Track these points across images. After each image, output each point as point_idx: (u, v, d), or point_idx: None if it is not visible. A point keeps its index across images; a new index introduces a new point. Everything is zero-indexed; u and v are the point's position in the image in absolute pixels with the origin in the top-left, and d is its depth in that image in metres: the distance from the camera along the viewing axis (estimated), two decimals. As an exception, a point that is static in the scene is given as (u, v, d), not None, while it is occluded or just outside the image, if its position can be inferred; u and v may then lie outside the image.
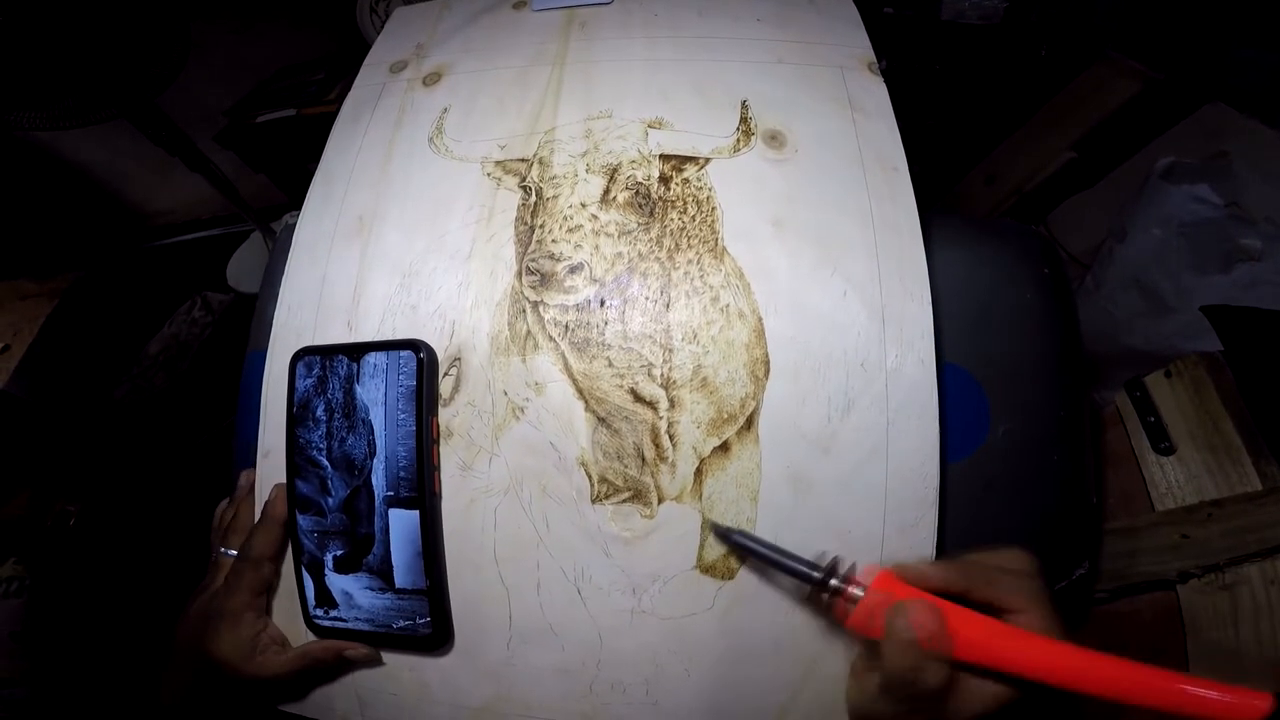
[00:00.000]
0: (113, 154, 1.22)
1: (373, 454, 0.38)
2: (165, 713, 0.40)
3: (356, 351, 0.39)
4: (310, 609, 0.39)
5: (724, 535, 0.35)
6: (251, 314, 0.52)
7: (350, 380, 0.39)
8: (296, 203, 0.48)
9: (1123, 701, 0.26)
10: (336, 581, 0.38)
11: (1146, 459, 0.54)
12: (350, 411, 0.39)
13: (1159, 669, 0.26)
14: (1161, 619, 0.49)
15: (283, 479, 0.40)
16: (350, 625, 0.39)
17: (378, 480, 0.38)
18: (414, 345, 0.39)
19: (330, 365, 0.39)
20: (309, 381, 0.40)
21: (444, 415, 0.39)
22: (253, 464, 0.43)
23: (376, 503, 0.38)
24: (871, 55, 0.47)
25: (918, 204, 0.40)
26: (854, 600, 0.31)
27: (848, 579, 0.31)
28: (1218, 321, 0.65)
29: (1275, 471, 0.49)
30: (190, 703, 0.39)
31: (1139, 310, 0.76)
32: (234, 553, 0.41)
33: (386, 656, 0.39)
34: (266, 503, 0.41)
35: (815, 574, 0.32)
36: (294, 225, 0.47)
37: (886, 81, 0.46)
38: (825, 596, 0.32)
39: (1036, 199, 0.98)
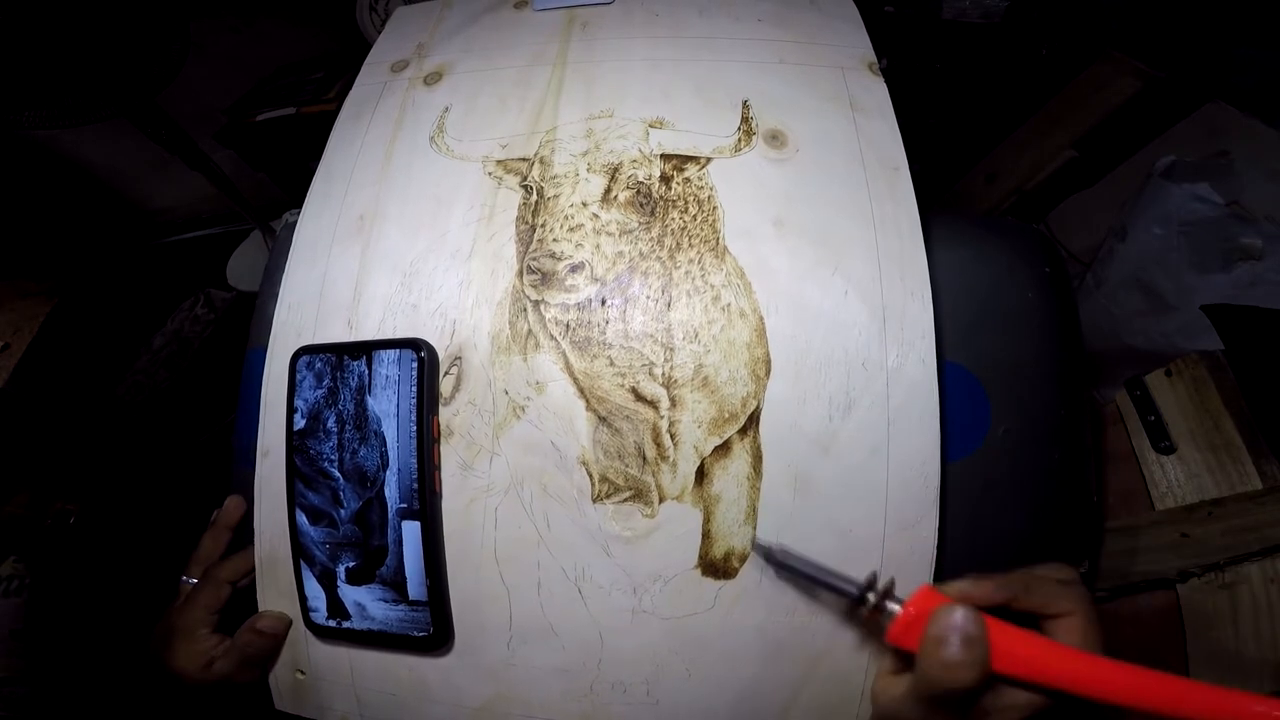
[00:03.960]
0: (112, 152, 1.22)
1: (385, 466, 0.38)
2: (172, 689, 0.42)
3: (357, 350, 0.39)
4: (310, 613, 0.39)
5: (766, 554, 0.35)
6: (253, 312, 0.52)
7: (362, 392, 0.39)
8: (296, 201, 0.48)
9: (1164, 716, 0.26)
10: (349, 593, 0.38)
11: (1147, 458, 0.54)
12: (362, 423, 0.39)
13: (1206, 686, 0.25)
14: (1161, 618, 0.49)
15: (283, 479, 0.40)
16: (351, 625, 0.39)
17: (390, 492, 0.38)
18: (415, 344, 0.39)
19: (341, 376, 0.39)
20: (319, 392, 0.40)
21: (444, 414, 0.39)
22: (252, 463, 0.43)
23: (389, 515, 0.38)
24: (872, 55, 0.47)
25: (918, 203, 0.40)
26: (891, 615, 0.31)
27: (887, 593, 0.31)
28: (1218, 320, 0.65)
29: (1276, 470, 0.49)
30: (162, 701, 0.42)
31: (1139, 309, 0.76)
32: (194, 581, 0.44)
33: (386, 656, 0.39)
34: (219, 511, 0.46)
35: (853, 589, 0.32)
36: (294, 223, 0.47)
37: (887, 80, 0.46)
38: (864, 611, 0.32)
39: (1037, 197, 0.97)
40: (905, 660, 0.31)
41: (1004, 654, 0.28)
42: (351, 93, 0.52)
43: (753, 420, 0.37)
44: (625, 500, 0.37)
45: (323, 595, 0.39)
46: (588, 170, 0.43)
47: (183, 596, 0.44)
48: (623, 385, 0.38)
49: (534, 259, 0.40)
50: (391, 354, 0.39)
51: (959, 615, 0.28)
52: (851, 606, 0.32)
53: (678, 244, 0.40)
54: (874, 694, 0.33)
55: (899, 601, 0.31)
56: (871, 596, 0.31)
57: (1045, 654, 0.28)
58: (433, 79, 0.51)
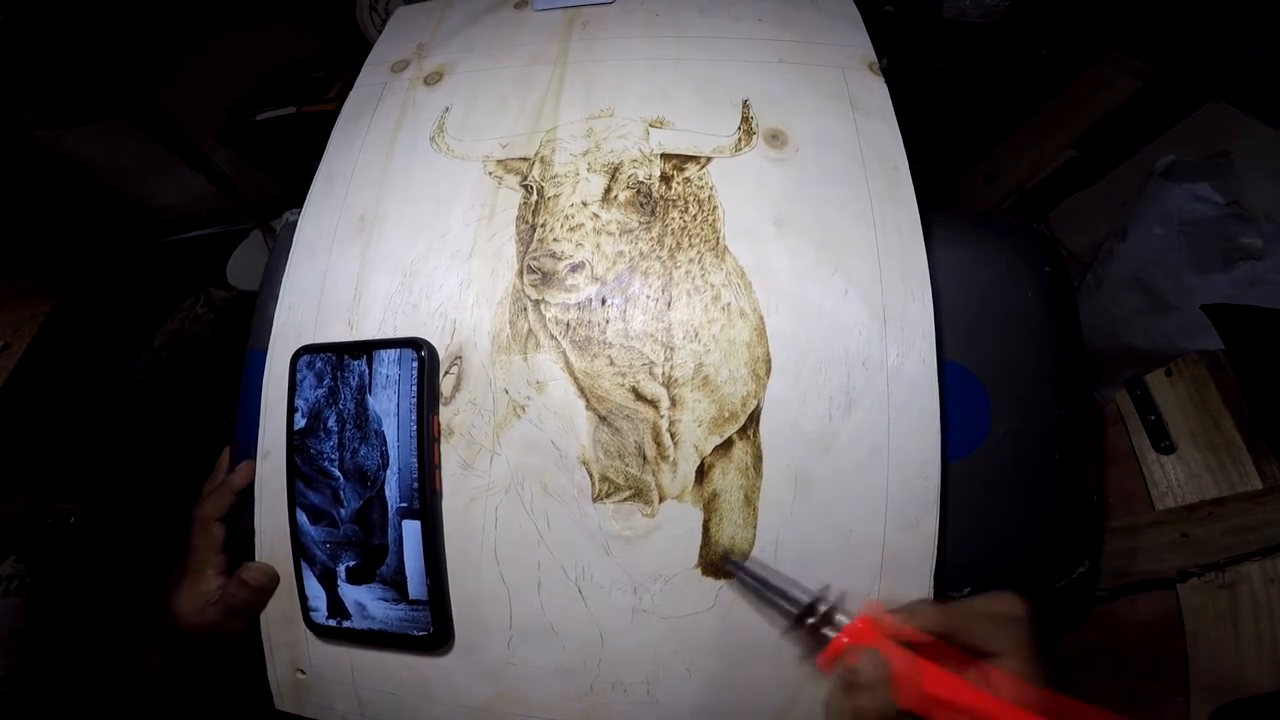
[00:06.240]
0: (112, 152, 1.22)
1: (386, 465, 0.38)
2: (141, 683, 0.42)
3: (357, 349, 0.39)
4: (310, 612, 0.39)
5: (723, 560, 0.36)
6: (253, 312, 0.52)
7: (362, 391, 0.39)
8: (296, 201, 0.48)
9: None
10: (350, 593, 0.38)
11: (1147, 457, 0.54)
12: (363, 423, 0.39)
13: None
14: (1161, 618, 0.49)
15: (283, 479, 0.40)
16: (352, 625, 0.39)
17: (391, 492, 0.38)
18: (415, 343, 0.39)
19: (341, 375, 0.39)
20: (320, 392, 0.40)
21: (445, 414, 0.39)
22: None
23: (390, 514, 0.38)
24: (872, 55, 0.47)
25: (918, 202, 0.40)
26: (825, 641, 0.31)
27: (827, 618, 0.32)
28: (1218, 320, 0.65)
29: (1276, 470, 0.49)
30: (167, 673, 0.41)
31: (1140, 309, 0.76)
32: None
33: (387, 656, 0.39)
34: (229, 474, 0.44)
35: (794, 609, 0.32)
36: (294, 223, 0.47)
37: (887, 80, 0.46)
38: (802, 632, 0.32)
39: (1037, 197, 0.97)
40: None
41: (915, 694, 0.28)
42: (352, 93, 0.52)
43: (753, 419, 0.37)
44: (625, 499, 0.37)
45: (323, 595, 0.39)
46: (588, 170, 0.43)
47: None
48: (623, 384, 0.38)
49: (534, 258, 0.40)
50: (392, 353, 0.39)
51: (864, 657, 0.29)
52: (792, 625, 0.33)
53: (678, 243, 0.40)
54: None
55: (837, 626, 0.31)
56: (810, 621, 0.32)
57: (955, 696, 0.28)
58: (433, 79, 0.51)
